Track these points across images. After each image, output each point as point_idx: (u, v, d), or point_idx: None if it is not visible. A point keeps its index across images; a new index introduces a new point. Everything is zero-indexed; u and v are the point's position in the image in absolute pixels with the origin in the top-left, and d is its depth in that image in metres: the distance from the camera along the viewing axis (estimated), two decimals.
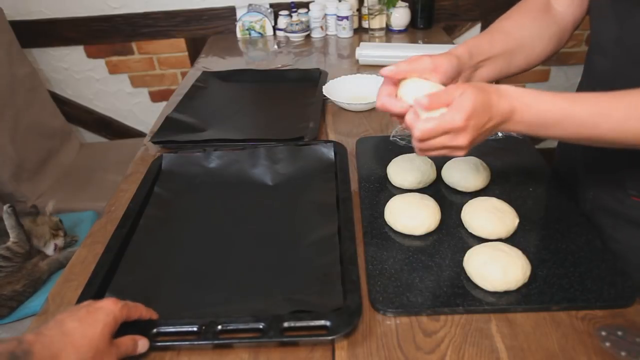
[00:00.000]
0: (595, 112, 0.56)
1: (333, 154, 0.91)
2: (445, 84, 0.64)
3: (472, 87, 0.56)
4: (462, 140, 0.57)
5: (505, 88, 0.58)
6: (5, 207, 1.21)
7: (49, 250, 1.29)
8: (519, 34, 0.75)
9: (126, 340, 0.55)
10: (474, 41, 0.73)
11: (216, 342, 0.58)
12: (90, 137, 2.17)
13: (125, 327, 0.57)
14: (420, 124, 0.57)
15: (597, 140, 0.59)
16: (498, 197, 0.74)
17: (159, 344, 0.58)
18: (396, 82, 0.65)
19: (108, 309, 0.54)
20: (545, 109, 0.57)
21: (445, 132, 0.57)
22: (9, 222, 1.20)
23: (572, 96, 0.58)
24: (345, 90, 1.20)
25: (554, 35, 0.76)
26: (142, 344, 0.56)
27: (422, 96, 0.57)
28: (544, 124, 0.58)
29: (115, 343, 0.54)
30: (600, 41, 0.72)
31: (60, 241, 1.31)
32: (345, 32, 1.72)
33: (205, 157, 0.92)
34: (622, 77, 0.67)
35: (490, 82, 0.70)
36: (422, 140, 0.58)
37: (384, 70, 0.64)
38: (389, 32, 1.75)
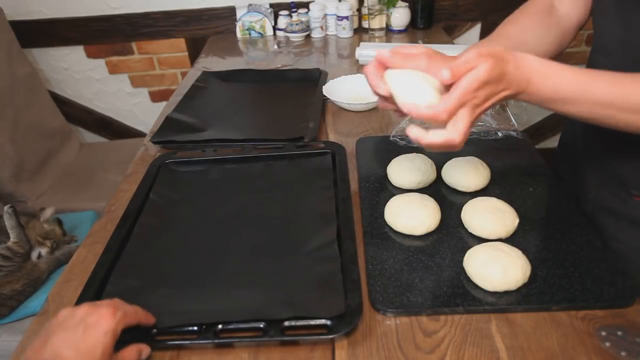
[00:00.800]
0: (612, 92, 0.56)
1: (331, 161, 0.90)
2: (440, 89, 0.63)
3: (490, 57, 0.54)
4: (478, 110, 0.57)
5: (524, 57, 0.57)
6: (5, 208, 1.21)
7: (33, 256, 1.25)
8: (522, 37, 0.75)
9: (130, 354, 0.53)
10: (481, 46, 0.72)
11: (216, 341, 0.58)
12: (90, 137, 2.17)
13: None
14: (442, 106, 0.55)
15: (610, 121, 0.58)
16: (498, 197, 0.74)
17: (159, 343, 0.58)
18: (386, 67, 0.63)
19: (106, 326, 0.50)
20: (562, 83, 0.56)
21: (462, 105, 0.55)
22: (9, 223, 1.20)
23: (591, 72, 0.57)
24: (345, 90, 1.20)
25: (556, 38, 0.76)
26: (145, 352, 0.55)
27: (443, 68, 0.54)
28: (560, 98, 0.57)
29: (119, 358, 0.52)
30: (603, 41, 0.72)
31: (43, 251, 1.27)
32: (345, 32, 1.72)
33: (203, 168, 0.92)
34: None
35: None
36: (448, 119, 0.57)
37: (379, 55, 0.61)
38: (389, 32, 1.75)
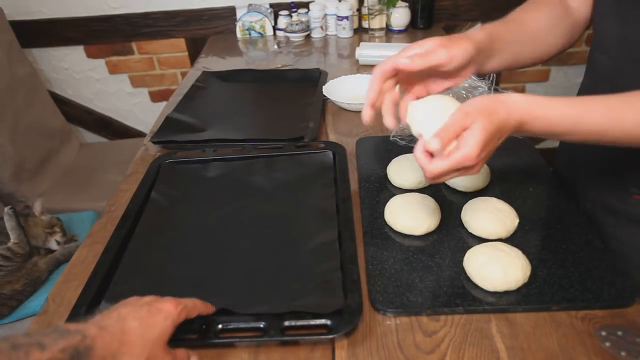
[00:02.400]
0: (605, 121, 0.56)
1: (332, 159, 0.90)
2: (455, 71, 0.63)
3: (482, 116, 0.53)
4: (475, 170, 0.56)
5: (514, 101, 0.56)
6: (6, 209, 1.21)
7: (53, 246, 1.31)
8: (534, 25, 0.74)
9: (182, 354, 0.54)
10: (492, 27, 0.71)
11: (217, 341, 0.58)
12: (90, 137, 2.17)
13: None
14: (431, 167, 0.55)
15: (607, 144, 0.59)
16: (498, 197, 0.74)
17: None
18: (395, 75, 0.63)
19: (168, 312, 0.53)
20: (554, 121, 0.56)
21: (457, 169, 0.55)
22: (9, 224, 1.20)
23: (582, 104, 0.57)
24: (345, 90, 1.20)
25: (566, 30, 0.76)
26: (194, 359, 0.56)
27: (431, 137, 0.54)
28: (553, 133, 0.58)
29: (171, 353, 0.53)
30: (602, 39, 0.72)
31: (59, 237, 1.32)
32: (345, 32, 1.72)
33: (203, 168, 0.92)
34: (624, 74, 0.68)
35: (498, 73, 0.67)
36: (434, 180, 0.57)
37: (399, 63, 0.60)
38: (389, 32, 1.75)
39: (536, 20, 0.75)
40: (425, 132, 0.58)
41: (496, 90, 1.01)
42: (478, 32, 0.67)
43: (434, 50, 0.60)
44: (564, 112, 0.56)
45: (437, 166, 0.54)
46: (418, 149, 0.56)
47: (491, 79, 1.03)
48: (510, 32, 0.71)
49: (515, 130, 0.57)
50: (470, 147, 0.53)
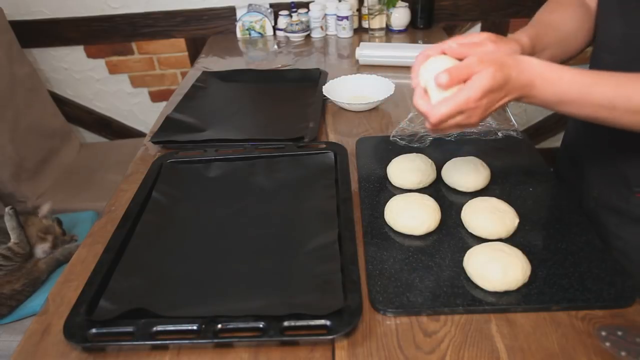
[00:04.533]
0: (615, 95, 0.56)
1: (333, 159, 0.90)
2: None
3: (493, 64, 0.55)
4: (475, 118, 0.56)
5: (527, 61, 0.57)
6: (7, 209, 1.21)
7: (38, 252, 1.27)
8: (564, 28, 0.75)
9: None
10: (532, 31, 0.71)
11: (216, 340, 0.58)
12: (90, 137, 2.17)
13: (126, 324, 0.57)
14: (435, 110, 0.55)
15: (613, 122, 0.58)
16: (498, 197, 0.74)
17: (159, 342, 0.58)
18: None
19: None
20: (565, 87, 0.56)
21: (460, 112, 0.55)
22: (10, 224, 1.20)
23: (594, 74, 0.57)
24: (345, 90, 1.20)
25: (589, 29, 0.77)
26: None
27: (441, 72, 0.55)
28: (562, 101, 0.58)
29: None
30: (606, 38, 0.72)
31: (47, 246, 1.28)
32: (345, 32, 1.72)
33: (204, 167, 0.92)
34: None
35: None
36: (437, 124, 0.57)
37: (446, 48, 0.61)
38: (389, 32, 1.75)
39: (564, 24, 0.75)
40: (430, 87, 0.58)
41: None
42: (522, 35, 0.68)
43: (483, 42, 0.61)
44: (577, 79, 0.56)
45: (440, 109, 0.55)
46: (417, 97, 0.57)
47: None
48: (546, 37, 0.72)
49: (523, 92, 0.57)
50: (474, 89, 0.54)
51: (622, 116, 0.57)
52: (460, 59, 0.60)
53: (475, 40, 0.61)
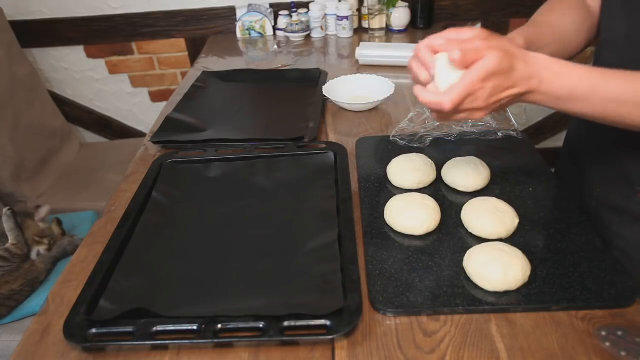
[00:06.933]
0: (624, 91, 0.55)
1: (333, 159, 0.90)
2: None
3: (500, 51, 0.54)
4: (480, 102, 0.56)
5: (534, 55, 0.57)
6: (4, 210, 1.21)
7: (32, 254, 1.27)
8: (562, 28, 0.75)
9: None
10: (527, 31, 0.71)
11: (216, 340, 0.58)
12: (90, 137, 2.17)
13: (126, 324, 0.57)
14: (447, 97, 0.55)
15: (622, 119, 0.58)
16: (498, 197, 0.74)
17: (159, 342, 0.58)
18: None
19: None
20: (574, 81, 0.56)
21: (469, 94, 0.55)
22: (8, 225, 1.20)
23: (602, 70, 0.57)
24: (345, 90, 1.20)
25: (590, 29, 0.77)
26: None
27: (456, 51, 0.54)
28: (571, 96, 0.57)
29: None
30: (609, 37, 0.72)
31: (43, 249, 1.28)
32: (345, 32, 1.72)
33: (204, 167, 0.92)
34: None
35: None
36: (452, 109, 0.56)
37: (434, 45, 0.60)
38: (389, 32, 1.75)
39: (564, 24, 0.75)
40: (438, 80, 0.58)
41: None
42: (517, 35, 0.68)
43: (472, 40, 0.60)
44: (585, 74, 0.56)
45: (452, 94, 0.54)
46: (423, 91, 0.57)
47: None
48: (543, 37, 0.72)
49: (530, 86, 0.56)
50: (480, 69, 0.54)
51: (633, 111, 0.56)
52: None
53: (463, 37, 0.60)
